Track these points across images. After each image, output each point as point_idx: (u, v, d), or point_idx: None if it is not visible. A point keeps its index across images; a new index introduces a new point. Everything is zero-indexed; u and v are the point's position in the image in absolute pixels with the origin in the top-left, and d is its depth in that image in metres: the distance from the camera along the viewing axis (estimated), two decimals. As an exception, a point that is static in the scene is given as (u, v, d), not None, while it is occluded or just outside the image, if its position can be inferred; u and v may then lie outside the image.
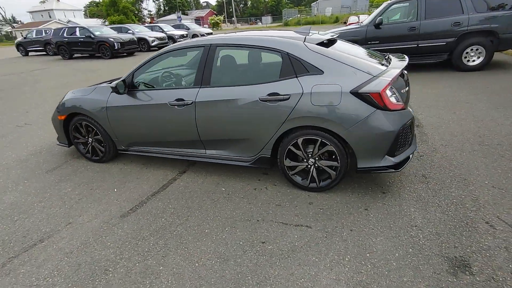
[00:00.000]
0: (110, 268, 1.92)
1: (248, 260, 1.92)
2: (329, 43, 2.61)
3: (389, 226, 2.12)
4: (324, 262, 1.86)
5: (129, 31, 16.11)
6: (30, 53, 17.98)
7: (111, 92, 3.01)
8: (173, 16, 51.96)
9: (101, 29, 14.66)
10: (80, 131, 3.37)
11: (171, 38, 17.83)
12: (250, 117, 2.51)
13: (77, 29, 14.12)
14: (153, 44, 15.83)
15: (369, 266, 1.81)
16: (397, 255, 1.87)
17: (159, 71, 3.14)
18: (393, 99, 2.22)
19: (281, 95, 2.37)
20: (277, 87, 2.40)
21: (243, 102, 2.48)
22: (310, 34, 2.75)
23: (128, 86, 2.92)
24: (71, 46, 14.35)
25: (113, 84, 2.86)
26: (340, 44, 2.80)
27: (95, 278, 1.85)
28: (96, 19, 53.39)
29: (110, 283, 1.81)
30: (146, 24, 21.56)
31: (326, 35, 2.75)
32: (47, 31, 16.74)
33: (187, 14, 64.38)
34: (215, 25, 42.43)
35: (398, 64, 2.46)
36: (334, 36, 3.03)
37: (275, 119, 2.42)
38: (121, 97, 2.95)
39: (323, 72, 2.31)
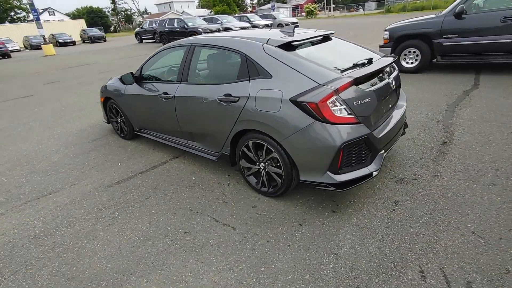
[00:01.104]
0: (72, 224, 2.45)
1: (162, 244, 2.14)
2: (302, 44, 2.46)
3: (308, 247, 1.98)
4: (219, 264, 1.92)
5: (218, 22, 17.50)
6: (144, 41, 21.62)
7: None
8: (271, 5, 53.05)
9: (194, 20, 16.40)
10: (113, 112, 4.12)
11: (256, 27, 18.50)
12: (211, 115, 2.64)
13: (175, 20, 16.20)
14: (237, 33, 16.78)
15: (255, 279, 1.78)
16: (289, 277, 1.77)
17: (162, 66, 3.53)
18: (338, 111, 1.99)
19: (233, 96, 2.41)
20: (231, 88, 2.45)
21: (207, 100, 2.63)
22: (293, 34, 2.62)
23: (138, 78, 3.42)
24: (170, 35, 16.62)
25: (120, 76, 3.40)
26: (321, 46, 2.61)
27: (59, 229, 2.40)
28: (205, 9, 59.22)
29: (65, 235, 2.32)
30: (236, 15, 22.82)
31: (305, 34, 2.59)
32: (156, 22, 19.73)
33: (286, 2, 64.65)
34: (309, 14, 41.32)
35: (360, 72, 2.15)
36: (331, 34, 2.82)
37: (229, 120, 2.48)
38: (132, 86, 3.47)
39: (271, 76, 2.24)
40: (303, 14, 47.03)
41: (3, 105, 6.84)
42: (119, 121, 4.09)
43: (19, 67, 14.28)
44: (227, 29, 16.86)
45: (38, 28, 17.27)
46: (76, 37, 32.00)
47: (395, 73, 2.59)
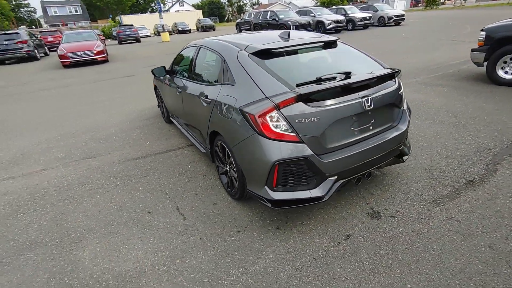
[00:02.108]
0: (86, 184, 3.12)
1: (127, 217, 2.53)
2: (284, 52, 2.38)
3: (228, 254, 2.03)
4: (151, 246, 2.18)
5: (311, 14, 17.12)
6: (242, 31, 23.11)
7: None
8: (385, -6, 47.92)
9: (287, 13, 16.52)
10: (159, 98, 4.81)
11: (351, 21, 17.32)
12: (197, 112, 2.87)
13: (268, 13, 16.68)
14: (328, 27, 16.12)
15: (165, 268, 1.97)
16: (192, 275, 1.89)
17: (184, 63, 3.89)
18: (277, 127, 1.91)
19: (208, 98, 2.56)
20: (209, 90, 2.60)
21: (194, 98, 2.86)
22: (287, 39, 2.55)
23: (169, 71, 3.90)
24: (262, 27, 17.28)
25: (152, 69, 3.93)
26: (309, 54, 2.48)
27: (77, 186, 3.10)
28: (311, 0, 58.29)
29: (77, 192, 2.99)
30: (333, 7, 21.65)
31: (298, 40, 2.48)
32: (253, 14, 20.73)
33: (405, -9, 57.11)
34: (430, 3, 35.46)
35: (311, 88, 1.95)
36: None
37: (205, 119, 2.66)
38: (166, 78, 3.99)
39: (235, 83, 2.28)
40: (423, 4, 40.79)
41: (111, 81, 8.68)
42: (163, 106, 4.75)
43: (139, 50, 17.48)
44: (319, 22, 16.38)
45: (160, 18, 20.65)
46: (193, 26, 36.64)
47: (384, 91, 2.22)
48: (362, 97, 2.08)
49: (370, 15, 17.60)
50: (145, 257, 2.08)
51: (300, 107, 1.92)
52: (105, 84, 8.40)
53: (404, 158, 2.50)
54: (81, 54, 11.44)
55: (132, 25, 24.05)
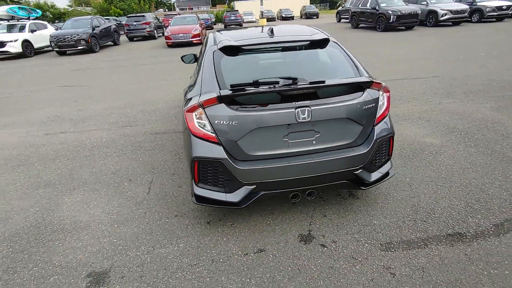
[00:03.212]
0: (107, 147, 3.80)
1: (108, 179, 3.02)
2: (254, 49, 2.32)
3: (150, 232, 2.24)
4: (107, 207, 2.57)
5: (422, 3, 14.62)
6: (342, 20, 21.69)
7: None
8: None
9: (391, 0, 14.58)
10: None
11: (478, 11, 14.02)
12: None
13: (369, 0, 15.09)
14: (442, 18, 13.53)
15: (101, 220, 2.33)
16: (110, 238, 2.18)
17: None
18: (200, 125, 1.94)
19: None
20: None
21: None
22: (271, 36, 2.45)
23: (196, 59, 4.20)
24: (360, 16, 15.84)
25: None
26: (281, 54, 2.36)
27: (100, 148, 3.81)
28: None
29: (96, 152, 3.69)
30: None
31: (281, 38, 2.37)
32: (354, 1, 19.07)
33: None
34: None
35: (234, 91, 1.86)
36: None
37: None
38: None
39: (196, 77, 2.36)
40: None
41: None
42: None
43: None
44: (431, 12, 13.92)
45: (260, 4, 21.38)
46: (297, 13, 36.44)
47: (336, 104, 1.92)
48: (297, 107, 1.86)
49: (508, 3, 13.79)
50: (99, 214, 2.49)
51: (222, 109, 1.88)
52: (187, 64, 9.49)
53: (365, 186, 2.12)
54: (181, 36, 13.11)
55: (237, 11, 25.78)
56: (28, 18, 14.74)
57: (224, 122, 1.88)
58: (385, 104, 2.14)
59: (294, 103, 1.88)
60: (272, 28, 2.54)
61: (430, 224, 2.11)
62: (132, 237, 2.20)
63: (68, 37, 12.77)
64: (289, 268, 1.84)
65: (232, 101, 1.88)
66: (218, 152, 1.92)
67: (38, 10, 15.77)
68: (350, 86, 1.99)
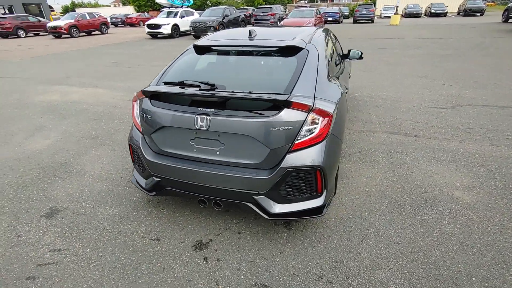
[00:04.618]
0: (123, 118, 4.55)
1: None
2: (223, 50, 2.37)
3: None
4: (71, 187, 3.20)
5: None
6: (510, 20, 16.60)
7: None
8: None
9: None
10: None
11: None
12: None
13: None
14: None
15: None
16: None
17: None
18: (136, 114, 2.18)
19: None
20: None
21: None
22: (249, 38, 2.42)
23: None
24: None
25: None
26: (244, 58, 2.31)
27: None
28: None
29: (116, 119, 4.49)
30: None
31: (259, 42, 2.31)
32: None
33: None
34: None
35: (155, 88, 2.00)
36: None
37: None
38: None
39: (168, 70, 2.58)
40: None
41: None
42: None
43: (355, 30, 17.28)
44: None
45: (398, -2, 18.83)
46: (454, 9, 30.10)
47: (238, 119, 1.77)
48: (198, 114, 1.82)
49: None
50: (100, 167, 3.15)
51: (146, 102, 2.06)
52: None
53: (269, 215, 1.86)
54: (292, 29, 13.31)
55: (371, 4, 23.53)
56: (182, 7, 18.21)
57: (145, 115, 2.06)
58: (317, 130, 1.79)
59: (198, 109, 1.86)
60: (250, 31, 2.44)
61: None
62: (104, 192, 2.72)
63: (202, 24, 15.12)
64: (162, 264, 1.91)
65: (154, 96, 2.03)
66: (138, 140, 2.13)
67: (191, 0, 19.25)
68: (263, 103, 1.77)
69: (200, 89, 1.89)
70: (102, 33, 20.82)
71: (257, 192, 1.85)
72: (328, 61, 2.43)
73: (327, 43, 2.85)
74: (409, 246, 1.99)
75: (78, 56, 11.17)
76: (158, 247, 2.05)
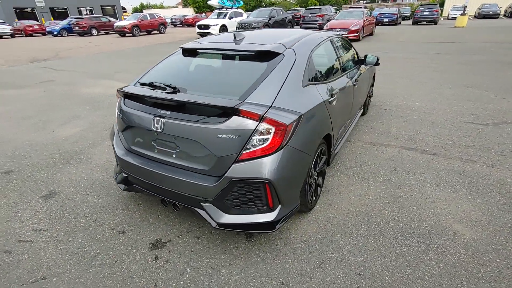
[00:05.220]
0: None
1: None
2: (206, 53, 2.39)
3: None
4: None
5: None
6: None
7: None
8: None
9: None
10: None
11: None
12: None
13: None
14: None
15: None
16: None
17: None
18: (116, 113, 2.31)
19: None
20: None
21: None
22: (235, 41, 2.40)
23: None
24: None
25: None
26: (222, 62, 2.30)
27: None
28: None
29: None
30: None
31: (244, 46, 2.27)
32: None
33: None
34: None
35: (128, 88, 2.05)
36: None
37: None
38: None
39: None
40: None
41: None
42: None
43: (414, 32, 15.85)
44: None
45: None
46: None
47: (186, 123, 1.76)
48: (156, 116, 1.85)
49: None
50: (97, 153, 3.41)
51: (121, 102, 2.16)
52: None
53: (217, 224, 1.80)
54: (337, 31, 12.77)
55: (435, 4, 21.26)
56: (231, 8, 18.73)
57: (118, 113, 2.17)
58: (269, 142, 1.68)
59: (157, 110, 1.88)
60: (235, 34, 2.40)
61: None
62: (99, 182, 2.95)
63: (247, 24, 15.37)
64: (116, 257, 1.99)
65: (126, 96, 2.12)
66: (114, 135, 2.25)
67: (240, 1, 19.68)
68: (213, 109, 1.71)
69: (166, 92, 1.92)
70: (160, 32, 22.49)
71: (204, 199, 1.81)
72: (314, 67, 2.28)
73: (324, 48, 2.67)
74: (371, 280, 1.76)
75: (132, 53, 12.23)
76: (120, 240, 2.15)
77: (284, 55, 2.07)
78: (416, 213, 2.31)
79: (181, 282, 1.79)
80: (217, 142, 1.70)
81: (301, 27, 18.65)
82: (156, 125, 1.86)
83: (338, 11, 19.11)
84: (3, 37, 24.52)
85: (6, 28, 24.50)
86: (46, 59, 11.32)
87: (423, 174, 2.84)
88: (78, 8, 41.87)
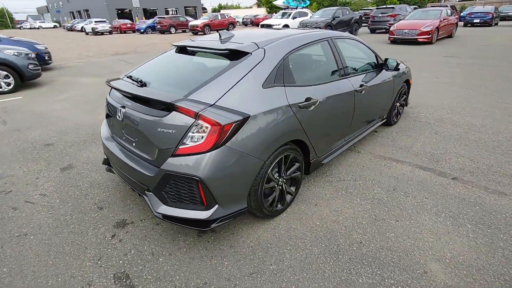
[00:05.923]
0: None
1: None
2: (196, 51, 2.48)
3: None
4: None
5: None
6: None
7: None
8: None
9: None
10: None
11: None
12: None
13: None
14: None
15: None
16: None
17: None
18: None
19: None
20: None
21: None
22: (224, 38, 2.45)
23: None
24: None
25: None
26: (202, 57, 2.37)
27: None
28: None
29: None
30: None
31: (229, 45, 2.27)
32: None
33: None
34: None
35: (115, 83, 2.22)
36: None
37: None
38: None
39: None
40: None
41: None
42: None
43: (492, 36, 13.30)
44: None
45: None
46: None
47: (140, 115, 1.88)
48: (120, 106, 2.01)
49: None
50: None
51: (109, 92, 2.40)
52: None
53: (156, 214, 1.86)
54: (405, 32, 11.55)
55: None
56: (296, 8, 18.54)
57: (107, 101, 2.41)
58: (203, 140, 1.67)
59: (124, 101, 2.05)
60: (220, 34, 2.42)
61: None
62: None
63: (308, 24, 15.04)
64: (84, 229, 2.24)
65: (110, 87, 2.34)
66: (103, 122, 2.51)
67: (307, 1, 19.31)
68: (157, 103, 1.78)
69: (135, 86, 2.08)
70: (228, 31, 23.65)
71: (147, 188, 1.91)
72: (289, 68, 2.16)
73: (315, 50, 2.51)
74: (295, 301, 1.61)
75: (194, 50, 13.18)
76: (95, 215, 2.40)
77: (251, 54, 2.02)
78: (390, 241, 2.01)
79: (120, 262, 1.93)
80: (158, 134, 1.78)
81: (369, 28, 17.42)
82: (119, 114, 2.04)
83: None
84: (104, 33, 29.00)
85: (106, 26, 28.92)
86: (125, 53, 13.01)
87: (425, 199, 2.44)
88: (165, 8, 46.90)
